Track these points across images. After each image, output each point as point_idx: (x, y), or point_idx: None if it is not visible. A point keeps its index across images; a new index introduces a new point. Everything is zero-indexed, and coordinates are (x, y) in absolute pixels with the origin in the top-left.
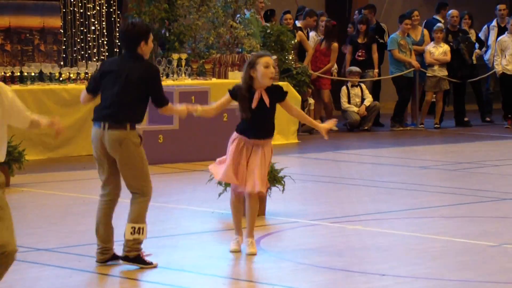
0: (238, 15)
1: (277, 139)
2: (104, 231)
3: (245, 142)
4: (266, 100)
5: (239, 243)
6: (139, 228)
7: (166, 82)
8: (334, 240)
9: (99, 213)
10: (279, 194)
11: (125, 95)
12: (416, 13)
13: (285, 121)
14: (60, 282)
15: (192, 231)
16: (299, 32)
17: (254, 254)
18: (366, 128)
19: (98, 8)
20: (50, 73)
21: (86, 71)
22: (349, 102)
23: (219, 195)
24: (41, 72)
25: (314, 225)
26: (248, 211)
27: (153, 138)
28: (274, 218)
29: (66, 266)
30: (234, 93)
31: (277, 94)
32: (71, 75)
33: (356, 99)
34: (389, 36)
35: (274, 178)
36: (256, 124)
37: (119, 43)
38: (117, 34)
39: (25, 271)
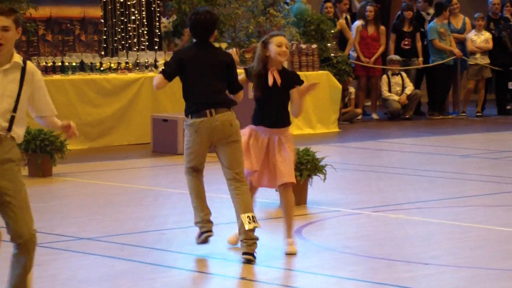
0: (281, 4)
1: (317, 128)
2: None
3: (261, 133)
4: (278, 80)
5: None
6: (253, 217)
7: None
8: (376, 229)
9: (198, 189)
10: (320, 183)
11: (219, 82)
12: (455, 0)
13: (326, 110)
14: (103, 271)
15: (233, 220)
16: (340, 20)
17: (294, 254)
18: (407, 116)
19: None
20: (91, 63)
21: (127, 60)
22: (389, 91)
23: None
24: (82, 62)
25: (356, 214)
26: (286, 208)
27: None
28: (315, 207)
29: (108, 255)
30: (248, 72)
31: (292, 79)
32: (112, 65)
33: (397, 87)
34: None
35: (315, 167)
36: (269, 109)
37: (159, 33)
38: (157, 23)
39: (67, 260)
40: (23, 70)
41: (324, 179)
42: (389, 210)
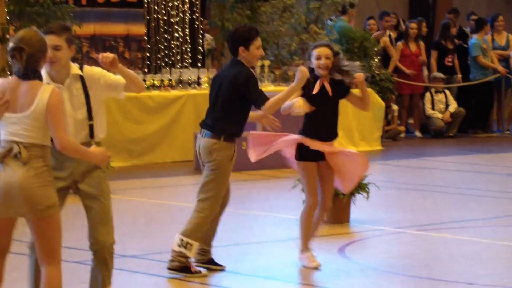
0: (324, 21)
1: (361, 146)
2: (207, 231)
3: (310, 146)
4: (329, 89)
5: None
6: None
7: None
8: (419, 248)
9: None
10: (364, 201)
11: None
12: (500, 17)
13: (369, 128)
14: None
15: (276, 238)
16: (383, 38)
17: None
18: (450, 134)
19: (181, 15)
20: None
21: (170, 78)
22: (433, 109)
23: (303, 202)
24: None
25: (399, 232)
26: (316, 223)
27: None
28: (358, 225)
29: (152, 272)
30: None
31: (341, 88)
32: (155, 82)
33: (440, 105)
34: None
35: (358, 185)
36: (319, 121)
37: (202, 50)
38: (200, 40)
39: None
40: (82, 78)
41: (367, 197)
42: (433, 229)
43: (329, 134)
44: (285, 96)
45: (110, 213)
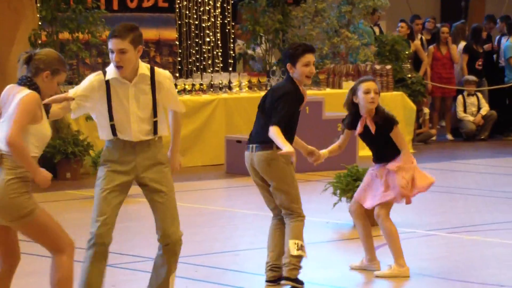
0: (352, 25)
1: None
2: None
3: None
4: (372, 128)
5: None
6: (302, 245)
7: None
8: (451, 250)
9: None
10: (395, 205)
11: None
12: None
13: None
14: None
15: (307, 241)
16: (415, 41)
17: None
18: (482, 137)
19: (212, 19)
20: None
21: (201, 82)
22: (465, 112)
23: (334, 205)
24: None
25: (431, 235)
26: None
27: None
28: None
29: (183, 276)
30: (347, 123)
31: (387, 123)
32: (187, 87)
33: (472, 108)
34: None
35: None
36: (371, 149)
37: (233, 54)
38: (231, 45)
39: (143, 281)
40: (152, 80)
41: None
42: (465, 231)
43: (379, 159)
44: (280, 143)
45: (176, 206)
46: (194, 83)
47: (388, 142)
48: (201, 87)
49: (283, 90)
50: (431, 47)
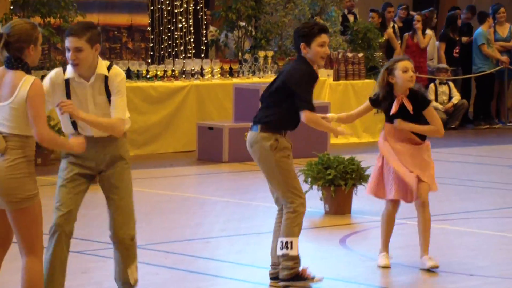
0: (324, 12)
1: (363, 137)
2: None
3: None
4: (409, 107)
5: (387, 257)
6: (286, 242)
7: (252, 80)
8: None
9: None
10: (365, 192)
11: (264, 98)
12: (502, 9)
13: (371, 119)
14: (147, 279)
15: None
16: (388, 30)
17: (437, 267)
18: (453, 126)
19: (185, 5)
20: (137, 70)
21: (173, 68)
22: (436, 100)
23: (305, 193)
24: (128, 70)
25: (401, 224)
26: (420, 224)
27: (239, 136)
28: (360, 216)
29: (153, 263)
30: (375, 100)
31: (421, 102)
32: (158, 73)
33: (443, 97)
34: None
35: (360, 176)
36: (400, 133)
37: (205, 41)
38: (204, 31)
39: (112, 267)
40: (106, 79)
41: None
42: (434, 220)
43: (411, 142)
44: (324, 128)
45: (130, 205)
46: (166, 69)
47: (419, 122)
48: (173, 73)
49: (301, 71)
50: (405, 35)
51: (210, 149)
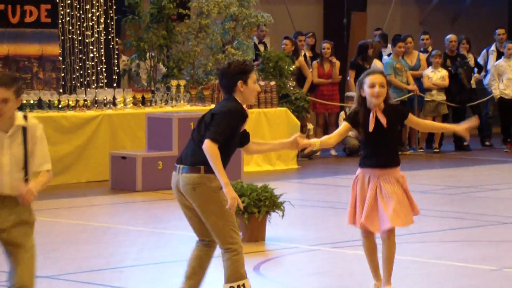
0: (236, 41)
1: (276, 165)
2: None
3: (369, 175)
4: (383, 121)
5: (378, 286)
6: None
7: (165, 109)
8: (335, 265)
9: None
10: (279, 220)
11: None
12: (409, 39)
13: None
14: None
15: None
16: (299, 58)
17: None
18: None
19: (96, 35)
20: (49, 100)
21: (85, 98)
22: None
23: None
24: (40, 100)
25: (314, 250)
26: (383, 254)
27: (152, 165)
28: (274, 243)
29: None
30: (351, 119)
31: (398, 114)
32: (70, 103)
33: None
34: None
35: (273, 203)
36: (376, 150)
37: (117, 70)
38: (116, 61)
39: None
40: (24, 130)
41: (283, 215)
42: (347, 246)
43: (387, 161)
44: (218, 170)
45: (35, 261)
46: (78, 99)
47: (393, 136)
48: (85, 103)
49: (232, 107)
50: (314, 62)
51: (123, 179)
